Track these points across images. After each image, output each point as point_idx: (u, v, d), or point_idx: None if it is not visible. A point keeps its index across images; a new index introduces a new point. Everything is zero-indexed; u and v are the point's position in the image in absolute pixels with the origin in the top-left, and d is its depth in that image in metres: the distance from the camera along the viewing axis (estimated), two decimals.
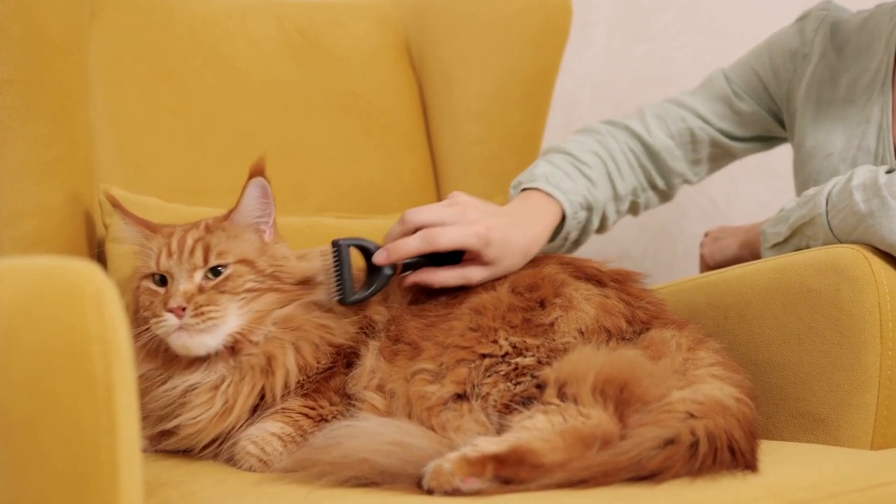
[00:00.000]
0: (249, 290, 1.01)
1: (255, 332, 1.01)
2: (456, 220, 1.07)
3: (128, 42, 1.41)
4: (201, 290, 1.00)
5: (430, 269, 1.08)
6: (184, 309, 0.97)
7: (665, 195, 1.45)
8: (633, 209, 1.42)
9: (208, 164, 1.42)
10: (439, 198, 1.64)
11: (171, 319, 0.98)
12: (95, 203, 1.27)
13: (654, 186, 1.42)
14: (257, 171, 1.04)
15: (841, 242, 1.09)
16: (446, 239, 1.06)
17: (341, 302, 1.04)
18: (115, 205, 1.10)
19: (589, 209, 1.30)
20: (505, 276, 1.07)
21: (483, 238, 1.06)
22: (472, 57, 1.59)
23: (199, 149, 1.42)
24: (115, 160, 1.36)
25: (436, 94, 1.62)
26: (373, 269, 1.07)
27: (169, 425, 1.01)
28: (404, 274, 1.08)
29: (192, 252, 1.01)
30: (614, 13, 2.04)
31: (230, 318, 1.00)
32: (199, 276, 1.01)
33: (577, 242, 1.34)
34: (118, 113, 1.38)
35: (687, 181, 1.45)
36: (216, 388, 1.00)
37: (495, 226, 1.08)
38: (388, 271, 1.06)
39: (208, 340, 0.99)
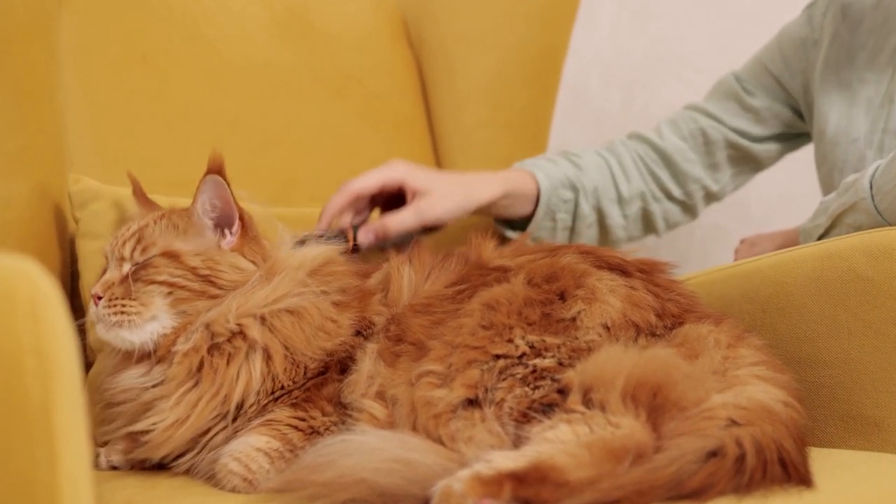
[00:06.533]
0: (169, 284, 0.95)
1: (179, 339, 0.95)
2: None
3: (101, 24, 1.36)
4: (122, 281, 0.96)
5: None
6: (100, 298, 0.95)
7: (686, 206, 1.45)
8: (648, 219, 1.43)
9: (190, 154, 1.35)
10: None
11: (91, 308, 0.96)
12: (65, 196, 1.20)
13: (669, 195, 1.43)
14: (214, 168, 0.99)
15: (891, 226, 1.03)
16: (361, 182, 1.19)
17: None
18: (136, 186, 1.09)
19: (574, 190, 1.35)
20: (520, 268, 0.98)
21: (402, 166, 1.20)
22: (474, 34, 1.54)
23: (179, 137, 1.37)
24: (88, 150, 1.30)
25: (436, 75, 1.58)
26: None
27: (134, 428, 0.96)
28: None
29: (124, 243, 0.98)
30: None
31: (161, 317, 0.95)
32: (126, 267, 0.98)
33: (572, 231, 1.38)
34: (91, 100, 1.33)
35: (707, 190, 1.45)
36: (175, 394, 0.93)
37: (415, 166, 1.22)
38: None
39: (127, 335, 0.95)
